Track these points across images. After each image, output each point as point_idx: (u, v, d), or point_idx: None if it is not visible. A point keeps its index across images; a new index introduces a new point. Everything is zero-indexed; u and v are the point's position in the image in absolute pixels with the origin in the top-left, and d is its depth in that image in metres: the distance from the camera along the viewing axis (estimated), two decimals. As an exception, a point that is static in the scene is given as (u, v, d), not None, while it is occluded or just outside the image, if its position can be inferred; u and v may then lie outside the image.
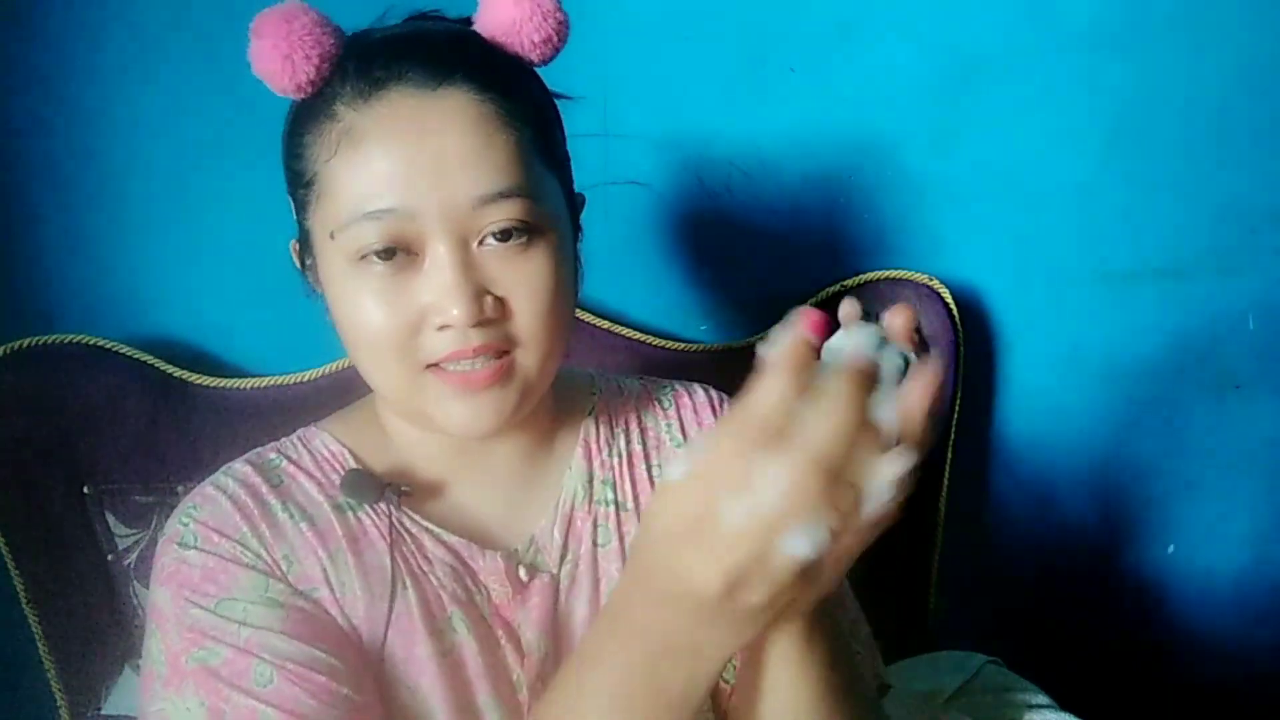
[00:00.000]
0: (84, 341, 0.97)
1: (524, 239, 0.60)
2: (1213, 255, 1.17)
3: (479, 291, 0.59)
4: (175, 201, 1.01)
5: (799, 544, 0.41)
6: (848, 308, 0.49)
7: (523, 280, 0.60)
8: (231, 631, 0.59)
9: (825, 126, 1.10)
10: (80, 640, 0.98)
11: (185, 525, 0.63)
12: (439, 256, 0.58)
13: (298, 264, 0.68)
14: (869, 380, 0.43)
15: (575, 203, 0.69)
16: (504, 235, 0.59)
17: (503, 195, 0.58)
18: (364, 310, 0.59)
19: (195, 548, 0.62)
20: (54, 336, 0.96)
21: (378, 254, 0.58)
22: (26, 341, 0.95)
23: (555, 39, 0.63)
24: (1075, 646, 1.31)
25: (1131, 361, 1.20)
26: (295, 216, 0.66)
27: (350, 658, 0.62)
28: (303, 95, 0.60)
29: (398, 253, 0.58)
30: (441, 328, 0.59)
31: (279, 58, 0.58)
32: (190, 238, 1.02)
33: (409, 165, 0.57)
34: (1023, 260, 1.16)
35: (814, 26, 1.06)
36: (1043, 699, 0.97)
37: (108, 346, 0.98)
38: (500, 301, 0.60)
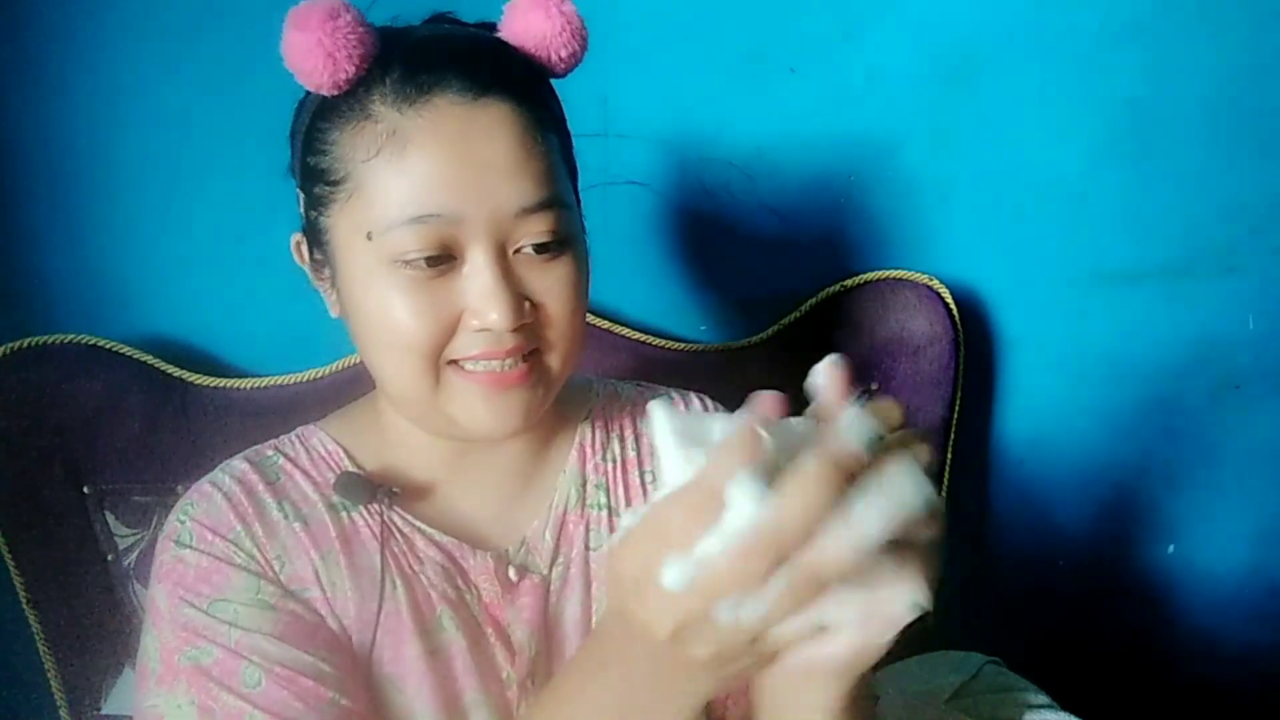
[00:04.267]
0: (84, 341, 0.97)
1: (555, 246, 0.61)
2: (1213, 255, 1.17)
3: (518, 297, 0.60)
4: (175, 201, 1.01)
5: (729, 612, 0.42)
6: (832, 382, 0.46)
7: (555, 287, 0.62)
8: (223, 632, 0.60)
9: (825, 126, 1.10)
10: (80, 640, 0.98)
11: (182, 523, 0.64)
12: (479, 263, 0.59)
13: (299, 258, 0.68)
14: (845, 473, 0.40)
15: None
16: (541, 246, 0.61)
17: (543, 206, 0.60)
18: (396, 311, 0.59)
19: (191, 546, 0.63)
20: (54, 336, 0.96)
21: (426, 260, 0.59)
22: (26, 341, 0.95)
23: (579, 54, 0.65)
24: (1075, 646, 1.31)
25: (1131, 362, 1.20)
26: (302, 210, 0.65)
27: (340, 661, 0.63)
28: (337, 92, 0.60)
29: (440, 255, 0.59)
30: (479, 330, 0.60)
31: (321, 54, 0.57)
32: (190, 238, 1.02)
33: (455, 172, 0.58)
34: (1023, 260, 1.16)
35: (814, 26, 1.06)
36: (1043, 699, 0.97)
37: (108, 346, 0.98)
38: (535, 307, 0.62)
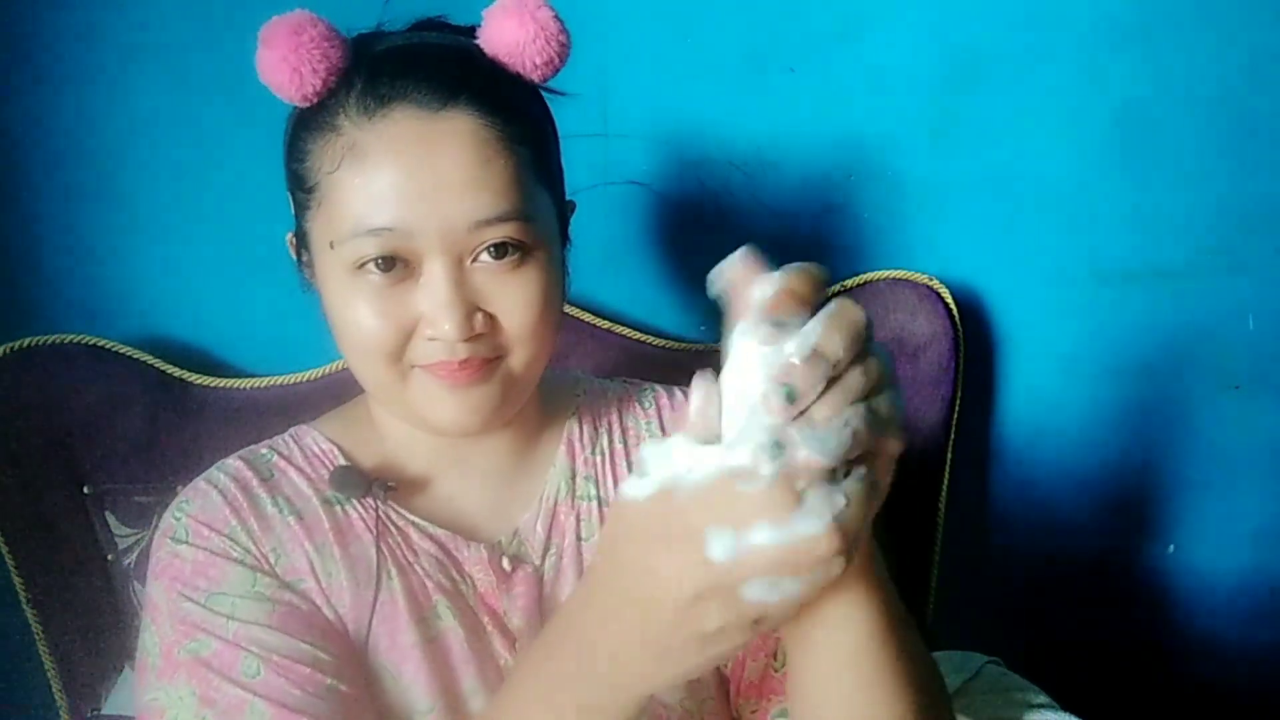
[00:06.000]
0: (84, 341, 0.97)
1: (516, 256, 0.62)
2: (1213, 255, 1.17)
3: (470, 309, 0.61)
4: (175, 202, 1.01)
5: (763, 593, 0.41)
6: None
7: (512, 297, 0.62)
8: (220, 625, 0.61)
9: (825, 126, 1.10)
10: (80, 640, 0.98)
11: (178, 520, 0.65)
12: (434, 273, 0.60)
13: (294, 256, 0.70)
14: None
15: (565, 212, 0.70)
16: (498, 253, 0.61)
17: (499, 219, 0.60)
18: (359, 317, 0.62)
19: (187, 542, 0.64)
20: (54, 336, 0.96)
21: (376, 264, 0.60)
22: (26, 341, 0.95)
23: (557, 60, 0.65)
24: (1075, 646, 1.31)
25: (1131, 361, 1.20)
26: (293, 213, 0.67)
27: (336, 649, 0.64)
28: (307, 104, 0.62)
29: (396, 264, 0.60)
30: (432, 339, 0.62)
31: (287, 70, 0.59)
32: (190, 238, 1.02)
33: (410, 186, 0.59)
34: (1023, 260, 1.16)
35: (814, 26, 1.06)
36: (1043, 699, 0.97)
37: (108, 346, 0.98)
38: (490, 317, 0.62)
